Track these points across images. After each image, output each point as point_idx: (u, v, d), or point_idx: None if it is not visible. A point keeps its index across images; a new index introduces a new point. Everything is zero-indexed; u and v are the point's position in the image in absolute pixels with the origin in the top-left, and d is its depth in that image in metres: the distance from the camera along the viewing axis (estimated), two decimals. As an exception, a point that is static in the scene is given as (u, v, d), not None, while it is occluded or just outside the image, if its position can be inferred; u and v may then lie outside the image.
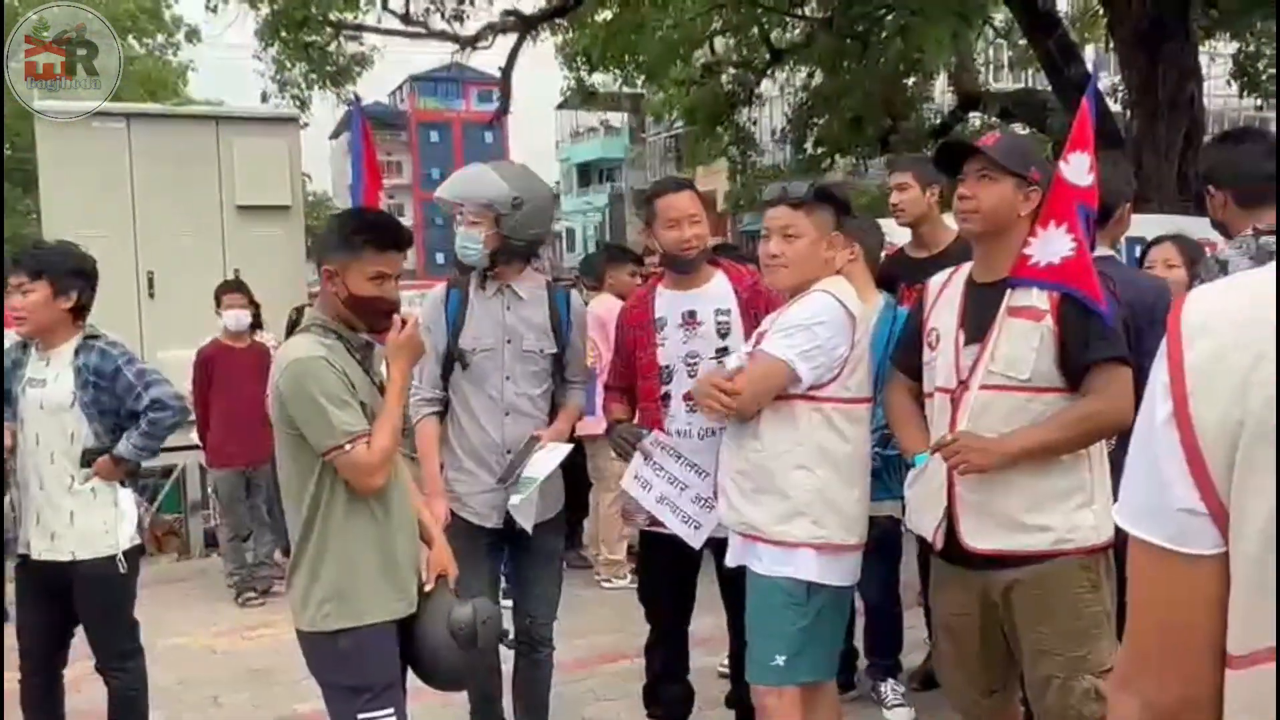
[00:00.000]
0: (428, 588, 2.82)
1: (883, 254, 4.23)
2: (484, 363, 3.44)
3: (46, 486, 3.49)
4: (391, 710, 2.69)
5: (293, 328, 5.72)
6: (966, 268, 2.79)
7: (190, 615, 5.85)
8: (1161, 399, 0.98)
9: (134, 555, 3.58)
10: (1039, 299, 2.56)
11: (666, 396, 3.50)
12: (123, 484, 3.55)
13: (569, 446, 3.49)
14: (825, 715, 3.05)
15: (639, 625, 3.94)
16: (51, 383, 3.48)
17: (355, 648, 2.66)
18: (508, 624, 3.21)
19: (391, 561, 2.71)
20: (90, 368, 3.47)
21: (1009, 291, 2.59)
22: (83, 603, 3.54)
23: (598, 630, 5.37)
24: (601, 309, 6.24)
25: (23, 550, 3.54)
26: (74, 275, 3.50)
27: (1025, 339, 2.55)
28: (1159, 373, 0.99)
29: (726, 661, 4.07)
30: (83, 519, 3.48)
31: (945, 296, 2.78)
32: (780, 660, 2.87)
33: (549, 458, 3.40)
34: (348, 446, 2.58)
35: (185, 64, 24.46)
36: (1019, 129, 12.70)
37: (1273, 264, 0.97)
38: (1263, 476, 0.91)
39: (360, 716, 2.66)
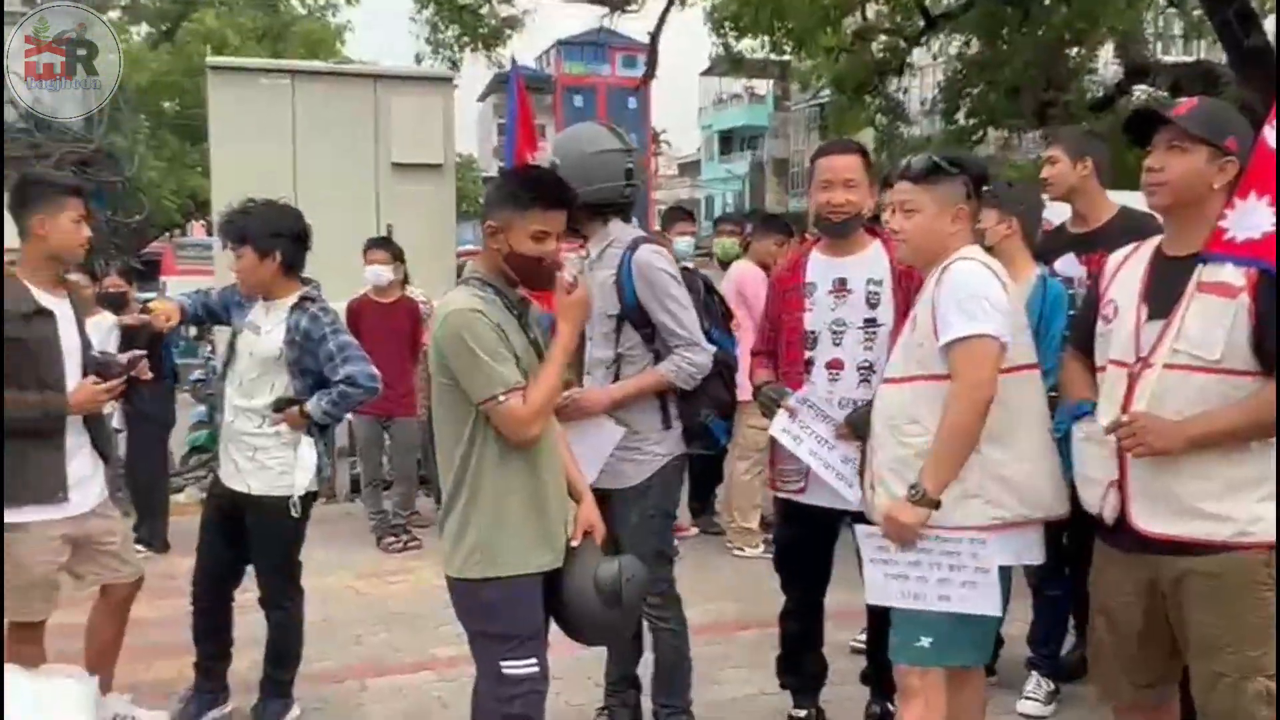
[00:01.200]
0: (574, 544, 2.82)
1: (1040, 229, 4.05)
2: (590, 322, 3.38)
3: (238, 422, 3.73)
4: (534, 660, 2.72)
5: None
6: (1153, 241, 2.63)
7: (334, 556, 6.05)
8: None
9: (306, 502, 3.75)
10: (1233, 275, 2.39)
11: (810, 362, 3.45)
12: (309, 433, 3.71)
13: (613, 430, 3.33)
14: (968, 699, 2.94)
15: (769, 595, 3.91)
16: (265, 333, 3.71)
17: (501, 597, 2.69)
18: None
19: (541, 515, 2.73)
20: (300, 329, 3.66)
21: (1200, 266, 2.43)
22: (253, 537, 3.75)
23: (729, 597, 5.36)
24: (742, 277, 6.20)
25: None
26: (274, 236, 3.67)
27: (1217, 317, 2.39)
28: None
29: (862, 637, 4.00)
30: (264, 457, 3.69)
31: (1127, 269, 2.64)
32: (926, 642, 2.76)
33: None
34: (502, 397, 2.61)
35: (343, 25, 25.11)
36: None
37: None
38: None
39: (503, 664, 2.70)
